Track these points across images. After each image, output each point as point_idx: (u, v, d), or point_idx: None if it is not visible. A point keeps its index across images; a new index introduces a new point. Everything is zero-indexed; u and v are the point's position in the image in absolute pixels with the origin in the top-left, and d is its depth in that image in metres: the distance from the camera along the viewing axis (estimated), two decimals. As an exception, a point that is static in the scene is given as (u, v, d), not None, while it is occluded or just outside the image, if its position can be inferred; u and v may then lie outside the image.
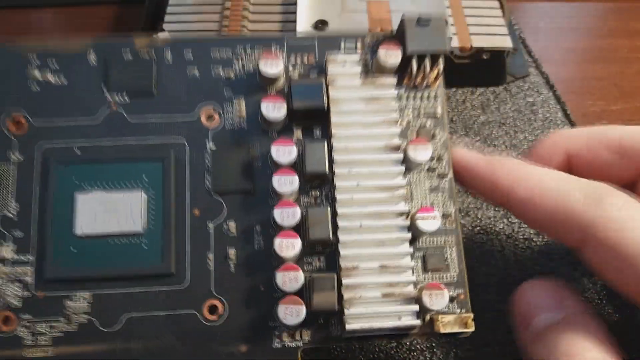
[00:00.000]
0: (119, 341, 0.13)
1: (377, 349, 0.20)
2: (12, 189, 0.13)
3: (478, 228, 0.23)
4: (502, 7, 0.29)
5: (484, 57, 0.27)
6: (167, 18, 0.27)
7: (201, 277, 0.14)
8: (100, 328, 0.13)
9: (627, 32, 0.33)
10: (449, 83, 0.28)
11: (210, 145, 0.14)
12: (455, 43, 0.27)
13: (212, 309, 0.14)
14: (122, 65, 0.14)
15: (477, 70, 0.27)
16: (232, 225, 0.14)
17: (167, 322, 0.13)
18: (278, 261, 0.15)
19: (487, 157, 0.17)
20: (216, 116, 0.15)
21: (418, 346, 0.20)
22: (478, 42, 0.27)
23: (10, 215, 0.13)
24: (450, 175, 0.17)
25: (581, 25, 0.33)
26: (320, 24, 0.26)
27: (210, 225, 0.14)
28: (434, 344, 0.20)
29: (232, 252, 0.14)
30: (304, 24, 0.26)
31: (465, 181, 0.17)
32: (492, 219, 0.23)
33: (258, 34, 0.16)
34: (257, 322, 0.14)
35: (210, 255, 0.14)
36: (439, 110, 0.18)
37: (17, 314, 0.13)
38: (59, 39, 0.14)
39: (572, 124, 0.27)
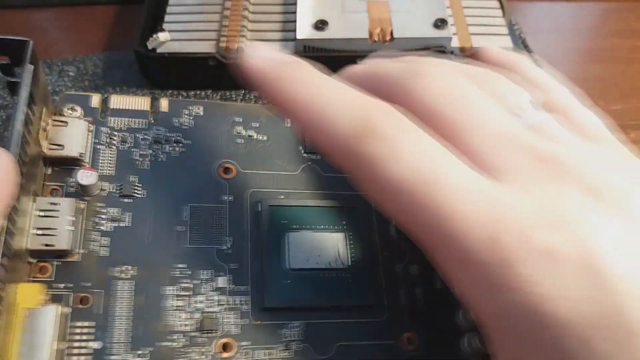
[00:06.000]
0: None
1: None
2: (226, 226, 0.15)
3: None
4: (502, 7, 0.29)
5: (484, 57, 0.27)
6: (167, 18, 0.27)
7: (397, 311, 0.15)
8: (315, 355, 0.14)
9: (627, 32, 0.33)
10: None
11: None
12: (455, 43, 0.27)
13: (410, 340, 0.15)
14: None
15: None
16: (415, 267, 0.16)
17: (372, 350, 0.14)
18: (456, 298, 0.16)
19: (280, 58, 0.14)
20: None
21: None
22: (478, 42, 0.27)
23: (224, 248, 0.14)
24: None
25: (581, 25, 0.33)
26: (321, 24, 0.26)
27: (398, 267, 0.16)
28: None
29: (418, 290, 0.16)
30: (304, 24, 0.26)
31: (255, 86, 0.14)
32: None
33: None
34: (446, 351, 0.15)
35: (402, 292, 0.15)
36: None
37: (237, 341, 0.14)
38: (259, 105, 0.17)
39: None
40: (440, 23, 0.26)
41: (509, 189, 0.12)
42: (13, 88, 0.14)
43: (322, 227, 0.15)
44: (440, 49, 0.26)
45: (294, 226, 0.15)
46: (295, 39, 0.26)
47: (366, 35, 0.26)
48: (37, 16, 0.31)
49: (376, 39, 0.26)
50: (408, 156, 0.12)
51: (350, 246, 0.15)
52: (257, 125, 0.16)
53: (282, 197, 0.15)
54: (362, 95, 0.13)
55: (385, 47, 0.26)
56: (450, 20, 0.27)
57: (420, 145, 0.12)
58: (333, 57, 0.26)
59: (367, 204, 0.16)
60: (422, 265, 0.16)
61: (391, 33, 0.26)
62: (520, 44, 0.30)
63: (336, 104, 0.13)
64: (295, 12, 0.27)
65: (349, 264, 0.15)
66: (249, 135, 0.16)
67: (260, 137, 0.16)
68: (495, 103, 0.13)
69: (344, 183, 0.16)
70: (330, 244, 0.15)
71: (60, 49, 0.29)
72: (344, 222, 0.16)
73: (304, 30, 0.26)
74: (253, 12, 0.28)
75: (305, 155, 0.16)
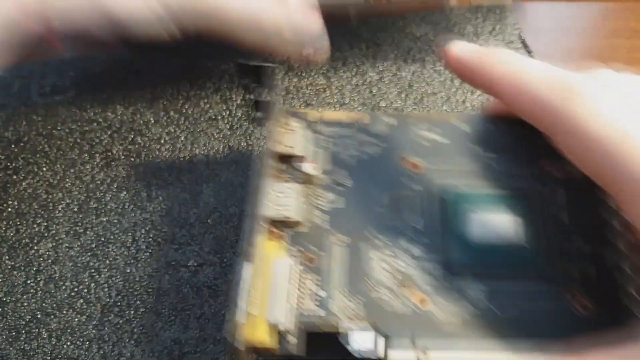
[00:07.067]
0: (513, 329, 0.17)
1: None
2: (418, 209, 0.19)
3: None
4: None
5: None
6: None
7: (571, 280, 0.18)
8: (498, 313, 0.17)
9: (627, 32, 0.33)
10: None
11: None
12: (454, 1, 0.26)
13: (585, 306, 0.17)
14: (488, 133, 0.20)
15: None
16: (587, 247, 0.18)
17: (549, 314, 0.17)
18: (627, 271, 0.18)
19: (478, 49, 0.19)
20: None
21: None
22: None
23: (418, 227, 0.18)
24: None
25: (581, 25, 0.33)
26: None
27: (569, 245, 0.18)
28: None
29: (590, 266, 0.18)
30: None
31: (460, 74, 0.19)
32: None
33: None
34: (618, 316, 0.17)
35: (573, 266, 0.18)
36: None
37: (430, 297, 0.17)
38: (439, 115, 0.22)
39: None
40: (438, -21, 0.26)
41: None
42: (258, 104, 0.21)
43: (499, 210, 0.19)
44: (438, 5, 0.26)
45: (475, 209, 0.19)
46: None
47: (363, -4, 0.26)
48: (37, 16, 0.31)
49: (373, -1, 0.26)
50: (603, 113, 0.15)
51: (525, 226, 0.18)
52: (440, 130, 0.20)
53: (464, 186, 0.19)
54: (555, 67, 0.17)
55: (382, 6, 0.26)
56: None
57: (614, 103, 0.16)
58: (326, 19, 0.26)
59: (539, 194, 0.19)
60: (594, 244, 0.18)
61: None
62: (520, 43, 0.30)
63: (538, 73, 0.17)
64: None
65: (524, 240, 0.18)
66: (433, 139, 0.20)
67: (443, 140, 0.20)
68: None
69: (515, 176, 0.19)
70: (506, 224, 0.18)
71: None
72: (518, 207, 0.19)
73: None
74: None
75: (483, 154, 0.20)
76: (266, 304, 0.16)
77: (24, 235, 0.23)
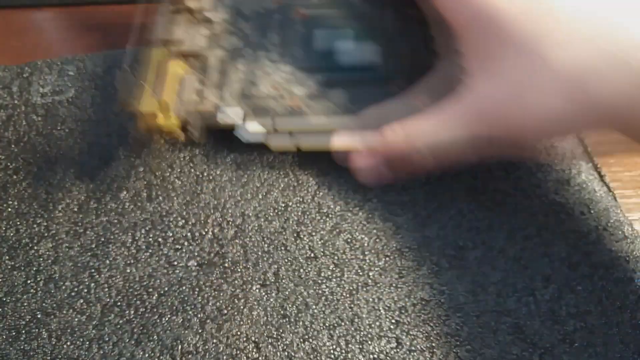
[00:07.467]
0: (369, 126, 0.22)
1: (377, 350, 0.20)
2: (301, 44, 0.25)
3: (478, 229, 0.23)
4: None
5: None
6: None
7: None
8: (356, 112, 0.23)
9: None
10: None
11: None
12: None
13: (400, 86, 0.23)
14: None
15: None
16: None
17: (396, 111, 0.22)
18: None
19: None
20: None
21: (418, 346, 0.20)
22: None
23: (301, 56, 0.24)
24: None
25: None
26: None
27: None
28: (434, 344, 0.20)
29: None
30: None
31: None
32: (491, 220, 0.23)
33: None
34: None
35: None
36: None
37: (304, 102, 0.23)
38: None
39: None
40: None
41: None
42: None
43: (363, 40, 0.24)
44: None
45: (346, 40, 0.24)
46: None
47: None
48: (37, 16, 0.31)
49: None
50: None
51: (383, 50, 0.24)
52: None
53: (339, 26, 0.25)
54: None
55: None
56: None
57: None
58: None
59: (398, 28, 0.24)
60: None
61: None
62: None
63: None
64: None
65: (381, 60, 0.24)
66: None
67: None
68: None
69: (382, 18, 0.25)
70: (367, 48, 0.24)
71: (60, 49, 0.29)
72: (379, 37, 0.24)
73: None
74: None
75: (360, 5, 0.25)
76: (173, 105, 0.22)
77: (24, 235, 0.23)
